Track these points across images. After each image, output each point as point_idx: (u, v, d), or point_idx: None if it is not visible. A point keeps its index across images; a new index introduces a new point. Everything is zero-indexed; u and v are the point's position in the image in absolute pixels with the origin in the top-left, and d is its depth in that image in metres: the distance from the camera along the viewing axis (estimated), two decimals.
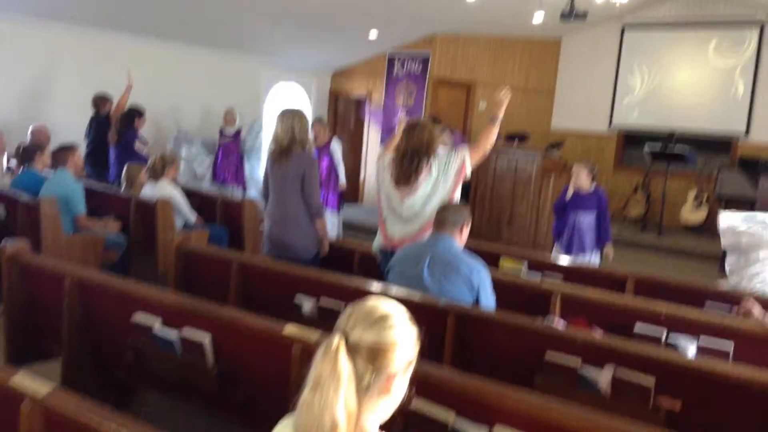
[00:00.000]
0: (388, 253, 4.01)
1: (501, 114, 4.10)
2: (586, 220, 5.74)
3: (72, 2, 7.63)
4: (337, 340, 1.42)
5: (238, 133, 9.29)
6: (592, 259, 5.74)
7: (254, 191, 9.31)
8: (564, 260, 4.98)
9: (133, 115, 7.69)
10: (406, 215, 3.96)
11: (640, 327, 3.34)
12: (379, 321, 1.46)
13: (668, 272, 7.21)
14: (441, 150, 4.03)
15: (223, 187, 9.18)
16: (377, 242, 4.14)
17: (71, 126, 7.86)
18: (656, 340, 3.26)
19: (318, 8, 8.63)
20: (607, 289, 4.01)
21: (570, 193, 5.78)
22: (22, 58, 7.91)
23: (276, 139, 4.33)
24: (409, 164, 3.91)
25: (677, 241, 8.94)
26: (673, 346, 3.19)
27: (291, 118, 4.30)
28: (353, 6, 8.70)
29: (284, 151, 4.28)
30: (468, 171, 3.94)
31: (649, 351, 2.66)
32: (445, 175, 3.91)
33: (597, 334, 3.01)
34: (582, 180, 5.71)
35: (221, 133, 9.27)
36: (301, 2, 8.36)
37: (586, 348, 2.73)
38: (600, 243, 5.79)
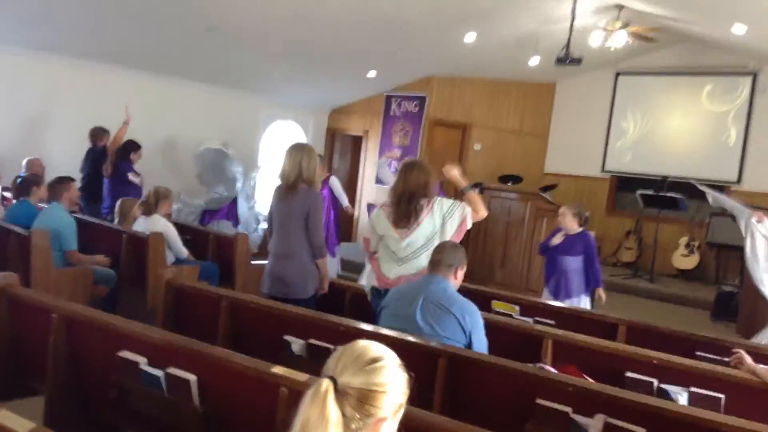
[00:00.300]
0: (381, 292, 3.97)
1: (464, 182, 4.15)
2: (573, 264, 5.70)
3: (72, 35, 7.70)
4: (325, 385, 1.39)
5: None
6: (580, 303, 5.69)
7: (244, 227, 9.31)
8: (556, 305, 4.96)
9: (130, 147, 7.71)
10: (404, 255, 3.95)
11: (631, 375, 3.32)
12: (369, 365, 1.44)
13: (660, 318, 7.19)
14: (445, 199, 4.04)
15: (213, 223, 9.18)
16: (369, 281, 4.13)
17: (68, 158, 7.85)
18: (648, 388, 3.23)
19: (318, 49, 8.74)
20: (599, 335, 3.99)
21: (557, 240, 5.74)
22: (21, 90, 7.94)
23: (283, 175, 4.24)
24: (407, 205, 3.91)
25: (669, 287, 8.94)
26: (665, 395, 3.16)
27: (300, 153, 4.21)
28: (353, 47, 8.81)
29: (290, 186, 4.19)
30: (468, 226, 3.95)
31: (641, 399, 2.64)
32: (450, 223, 3.91)
33: (589, 381, 2.98)
34: (567, 222, 5.69)
35: None
36: (301, 43, 8.47)
37: (577, 395, 2.71)
38: (588, 287, 5.74)
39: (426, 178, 3.94)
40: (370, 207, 9.52)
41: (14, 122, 7.94)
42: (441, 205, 3.96)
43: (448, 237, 3.90)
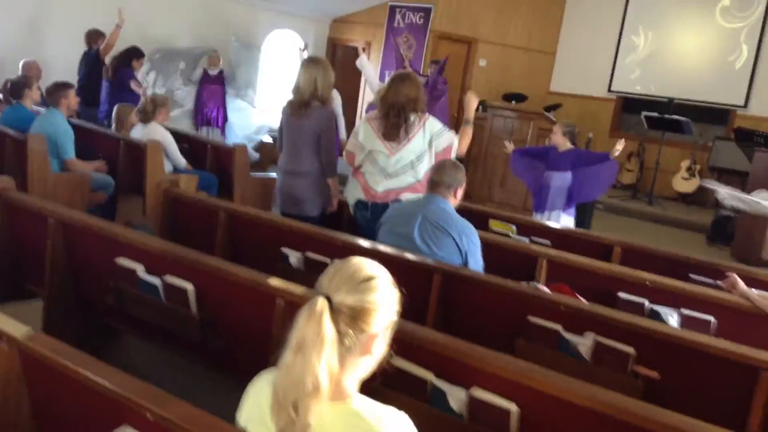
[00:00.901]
0: (368, 205, 3.99)
1: (472, 115, 4.10)
2: (557, 181, 5.68)
3: None
4: (321, 303, 1.42)
5: (221, 73, 9.16)
6: (562, 220, 5.70)
7: (233, 137, 9.19)
8: (552, 225, 4.97)
9: (132, 54, 7.57)
10: (393, 170, 3.93)
11: (623, 295, 3.36)
12: (363, 283, 1.47)
13: (656, 240, 7.24)
14: (436, 121, 3.98)
15: (203, 128, 9.09)
16: (353, 195, 4.10)
17: (66, 61, 7.71)
18: (639, 309, 3.28)
19: None
20: (594, 256, 4.01)
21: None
22: None
23: (297, 90, 4.08)
24: (396, 118, 3.84)
25: (667, 210, 8.96)
26: (656, 316, 3.21)
27: (316, 68, 4.04)
28: None
29: (304, 103, 4.04)
30: (452, 156, 3.91)
31: (631, 320, 2.67)
32: (435, 145, 3.90)
33: (581, 301, 3.02)
34: (558, 138, 5.67)
35: (205, 73, 9.11)
36: None
37: (569, 313, 2.74)
38: (571, 204, 5.72)
39: (417, 92, 3.87)
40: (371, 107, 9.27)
41: (12, 23, 7.74)
42: (432, 124, 3.91)
43: (433, 158, 3.89)
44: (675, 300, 3.27)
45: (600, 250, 4.32)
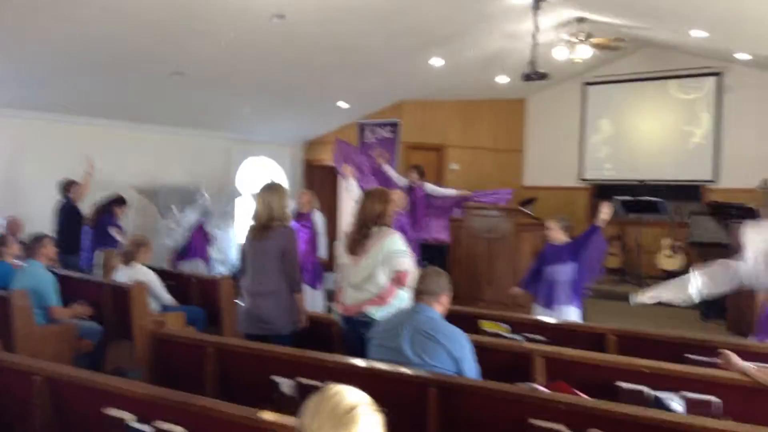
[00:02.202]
0: (344, 318, 4.16)
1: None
2: (561, 274, 5.71)
3: (38, 90, 7.70)
4: None
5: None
6: (569, 314, 5.69)
7: (221, 267, 9.22)
8: (544, 319, 4.96)
9: (114, 202, 7.74)
10: (356, 282, 4.08)
11: (623, 385, 3.31)
12: (345, 416, 1.48)
13: (651, 321, 7.21)
14: (402, 242, 4.12)
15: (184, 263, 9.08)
16: (335, 308, 4.28)
17: (44, 212, 7.80)
18: (640, 397, 3.22)
19: (286, 84, 8.80)
20: (590, 346, 3.99)
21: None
22: None
23: (255, 215, 4.40)
24: (359, 232, 4.09)
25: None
26: (659, 403, 3.15)
27: (269, 193, 4.39)
28: (320, 79, 8.86)
29: (264, 226, 4.33)
30: (403, 285, 4.03)
31: (634, 411, 2.63)
32: (391, 264, 4.01)
33: (581, 397, 2.97)
34: (555, 234, 5.76)
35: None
36: (268, 80, 8.52)
37: (570, 412, 2.69)
38: (577, 296, 5.74)
39: (382, 207, 4.11)
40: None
41: None
42: (392, 242, 4.05)
43: (384, 276, 4.01)
44: (675, 383, 3.22)
45: (594, 339, 4.30)
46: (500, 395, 2.88)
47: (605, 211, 5.67)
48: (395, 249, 4.05)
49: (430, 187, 8.56)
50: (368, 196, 4.22)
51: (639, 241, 9.38)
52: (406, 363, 3.21)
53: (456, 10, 7.20)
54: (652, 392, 3.22)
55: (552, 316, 5.51)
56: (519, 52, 8.42)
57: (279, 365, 3.51)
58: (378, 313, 3.94)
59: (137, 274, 5.86)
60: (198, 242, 9.13)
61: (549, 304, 5.72)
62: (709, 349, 3.81)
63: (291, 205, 8.20)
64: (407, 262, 4.06)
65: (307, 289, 7.52)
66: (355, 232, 4.12)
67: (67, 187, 7.67)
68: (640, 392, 3.25)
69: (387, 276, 4.03)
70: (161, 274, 6.28)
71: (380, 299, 4.00)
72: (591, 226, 5.73)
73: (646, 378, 3.31)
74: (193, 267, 8.87)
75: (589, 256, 5.67)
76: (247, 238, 4.45)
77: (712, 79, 10.09)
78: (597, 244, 5.72)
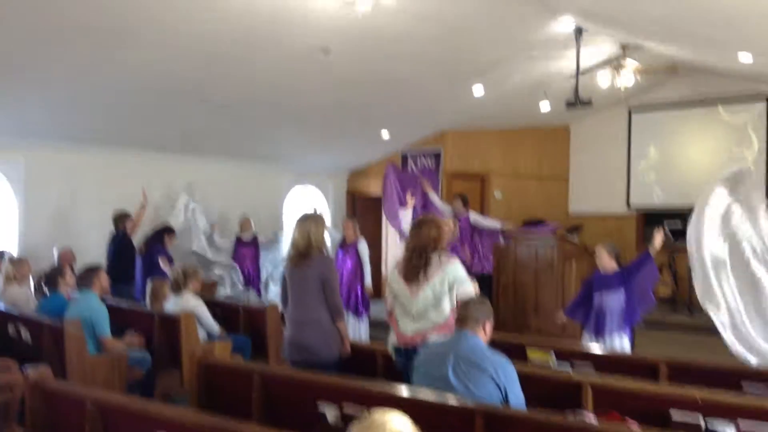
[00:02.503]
0: (402, 350, 4.05)
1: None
2: (611, 301, 5.59)
3: (92, 125, 7.98)
4: None
5: (254, 238, 9.42)
6: (620, 342, 5.56)
7: (271, 294, 9.32)
8: (593, 348, 4.87)
9: (164, 231, 7.92)
10: (417, 311, 3.99)
11: (676, 415, 3.22)
12: None
13: (703, 351, 6.99)
14: (463, 269, 4.08)
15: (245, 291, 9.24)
16: (391, 341, 4.14)
17: (96, 244, 8.04)
18: (695, 428, 3.13)
19: (329, 114, 8.93)
20: (640, 376, 3.90)
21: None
22: (47, 182, 8.20)
23: (294, 244, 4.44)
24: (418, 259, 4.01)
25: (710, 319, 8.68)
26: None
27: (308, 223, 4.43)
28: (363, 110, 8.98)
29: (302, 255, 4.36)
30: None
31: None
32: (458, 291, 3.96)
33: (633, 427, 2.90)
34: (604, 261, 5.67)
35: (238, 240, 9.37)
36: (313, 110, 8.66)
37: None
38: (628, 325, 5.61)
39: (437, 233, 4.06)
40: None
41: (45, 215, 8.18)
42: (455, 270, 4.01)
43: (454, 301, 3.94)
44: (730, 413, 3.12)
45: (645, 369, 4.20)
46: (550, 426, 2.83)
47: (658, 238, 5.57)
48: (460, 276, 4.01)
49: (474, 218, 8.57)
50: (423, 222, 4.19)
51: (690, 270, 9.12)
52: (452, 391, 3.19)
53: (498, 38, 7.24)
54: (706, 421, 3.12)
55: (602, 345, 5.40)
56: (562, 79, 8.40)
57: (324, 393, 3.52)
58: None
59: (186, 303, 5.95)
60: (249, 269, 9.29)
61: (599, 332, 5.60)
62: (766, 380, 3.70)
63: (335, 235, 8.31)
64: (471, 288, 4.02)
65: (351, 319, 7.58)
66: (412, 259, 4.04)
67: (121, 218, 7.89)
68: (694, 423, 3.15)
69: (451, 304, 3.96)
70: (209, 303, 6.38)
71: (446, 327, 3.91)
72: (644, 253, 5.63)
73: (700, 409, 3.21)
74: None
75: (640, 284, 5.56)
76: (287, 267, 4.49)
77: (761, 104, 9.86)
78: (649, 272, 5.61)
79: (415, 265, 4.00)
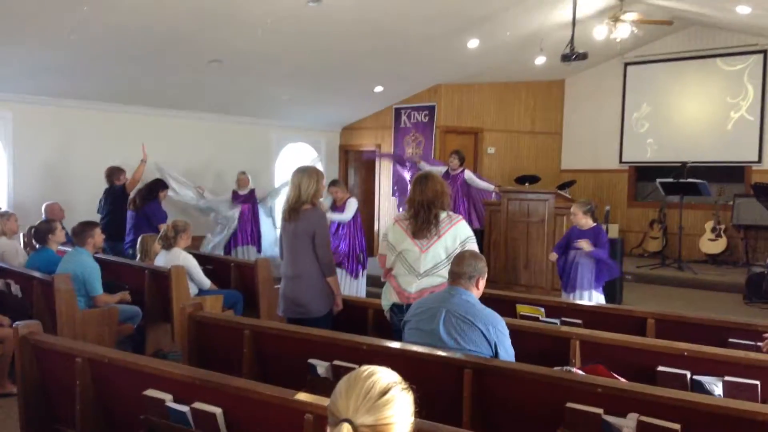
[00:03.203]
0: (404, 308, 3.96)
1: None
2: (584, 258, 5.70)
3: (83, 80, 7.86)
4: (346, 431, 1.46)
5: (251, 193, 9.36)
6: (591, 298, 5.66)
7: (270, 251, 9.30)
8: (581, 304, 4.91)
9: (158, 186, 7.84)
10: (425, 269, 3.96)
11: (663, 369, 3.26)
12: (379, 399, 1.49)
13: (692, 305, 7.07)
14: (469, 229, 4.06)
15: (238, 248, 9.21)
16: (388, 299, 4.11)
17: (87, 200, 7.99)
18: (681, 381, 3.17)
19: (322, 69, 8.80)
20: (628, 330, 3.93)
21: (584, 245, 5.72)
22: (38, 137, 8.12)
23: (287, 198, 4.36)
24: (427, 214, 3.95)
25: (698, 273, 8.79)
26: (699, 387, 3.10)
27: (300, 176, 4.32)
28: (357, 64, 8.85)
29: (293, 209, 4.28)
30: None
31: (674, 395, 2.58)
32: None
33: (619, 380, 2.93)
34: (579, 220, 5.77)
35: (235, 195, 9.32)
36: (305, 65, 8.53)
37: (608, 395, 2.65)
38: (600, 282, 5.73)
39: (442, 187, 4.01)
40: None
41: (34, 169, 8.11)
42: (464, 229, 3.99)
43: None
44: (717, 368, 3.16)
45: (633, 323, 4.24)
46: (537, 378, 2.85)
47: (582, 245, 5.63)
48: (469, 234, 3.99)
49: (469, 177, 8.57)
50: (426, 177, 4.07)
51: (681, 224, 9.17)
52: (442, 346, 3.20)
53: None
54: (693, 376, 3.16)
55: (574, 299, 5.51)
56: (557, 32, 8.27)
57: (314, 348, 3.53)
58: None
59: (176, 258, 5.94)
60: (246, 225, 9.25)
61: (571, 287, 5.74)
62: (754, 333, 3.73)
63: (327, 201, 8.24)
64: (476, 247, 3.99)
65: (348, 278, 7.63)
66: (419, 214, 3.96)
67: (115, 174, 7.80)
68: (681, 376, 3.19)
69: None
70: (200, 258, 6.38)
71: None
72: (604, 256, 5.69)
73: (687, 362, 3.25)
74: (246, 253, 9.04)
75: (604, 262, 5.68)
76: (282, 222, 4.45)
77: (758, 56, 9.76)
78: (607, 268, 5.73)
79: (424, 221, 3.93)
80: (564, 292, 5.87)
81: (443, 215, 3.98)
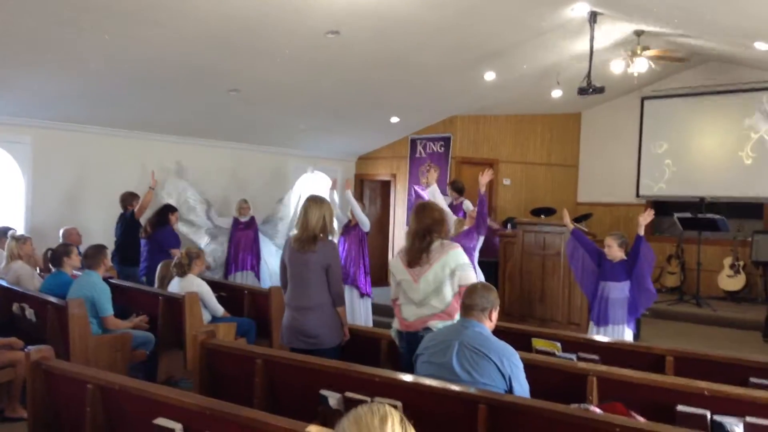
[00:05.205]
0: (404, 335, 4.02)
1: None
2: (616, 292, 5.60)
3: (102, 107, 7.95)
4: None
5: (252, 220, 9.34)
6: (623, 334, 5.55)
7: (268, 280, 9.27)
8: (599, 339, 4.83)
9: (167, 210, 7.90)
10: (419, 298, 3.94)
11: (682, 408, 3.18)
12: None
13: (710, 343, 6.96)
14: (465, 256, 4.02)
15: (237, 274, 9.16)
16: (394, 326, 4.12)
17: (103, 225, 8.06)
18: (701, 422, 3.09)
19: (339, 99, 8.87)
20: (646, 367, 3.85)
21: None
22: (56, 163, 8.20)
23: (302, 227, 4.27)
24: (420, 243, 3.95)
25: (717, 310, 8.65)
26: (719, 428, 3.02)
27: (320, 207, 4.28)
28: (373, 95, 8.90)
29: (309, 239, 4.23)
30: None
31: None
32: (459, 278, 3.90)
33: (638, 419, 2.86)
34: (615, 252, 5.66)
35: (236, 222, 9.28)
36: (322, 95, 8.60)
37: None
38: (632, 317, 5.62)
39: (439, 215, 4.00)
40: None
41: (52, 194, 8.19)
42: (456, 256, 3.94)
43: (456, 288, 3.89)
44: (738, 408, 3.08)
45: (652, 360, 4.16)
46: (553, 416, 2.79)
47: (644, 216, 5.56)
48: (461, 263, 3.93)
49: (467, 206, 8.49)
50: (423, 207, 4.09)
51: (699, 260, 9.06)
52: (455, 379, 3.15)
53: (511, 24, 7.13)
54: (713, 416, 3.08)
55: (605, 335, 5.40)
56: (574, 65, 8.29)
57: (327, 379, 3.49)
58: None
59: (190, 285, 5.95)
60: (247, 253, 9.23)
61: (602, 322, 5.61)
62: None
63: (342, 219, 8.28)
64: (473, 275, 3.96)
65: (356, 300, 7.66)
66: (414, 243, 3.97)
67: (129, 199, 7.88)
68: (701, 416, 3.11)
69: (453, 290, 3.90)
70: (213, 285, 6.37)
71: (447, 314, 3.86)
72: (636, 237, 5.60)
73: (707, 402, 3.17)
74: (243, 279, 9.01)
75: (640, 269, 5.55)
76: (289, 251, 4.35)
77: None
78: (645, 255, 5.58)
79: (418, 249, 3.93)
80: (595, 325, 5.71)
81: (436, 244, 3.95)
